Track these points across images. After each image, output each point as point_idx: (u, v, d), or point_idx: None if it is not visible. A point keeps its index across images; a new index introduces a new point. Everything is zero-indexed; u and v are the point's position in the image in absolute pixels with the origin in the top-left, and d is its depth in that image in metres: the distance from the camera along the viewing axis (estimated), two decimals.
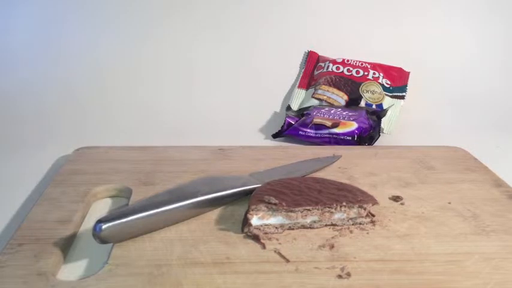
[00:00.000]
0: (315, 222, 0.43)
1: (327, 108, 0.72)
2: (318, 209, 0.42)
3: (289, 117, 0.72)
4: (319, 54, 0.83)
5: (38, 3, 0.78)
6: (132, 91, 0.79)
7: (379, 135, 0.68)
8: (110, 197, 0.50)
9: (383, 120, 0.71)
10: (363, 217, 0.43)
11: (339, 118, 0.69)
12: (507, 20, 0.84)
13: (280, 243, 0.40)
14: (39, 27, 0.79)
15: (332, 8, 0.82)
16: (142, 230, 0.40)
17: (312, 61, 0.83)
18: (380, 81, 0.77)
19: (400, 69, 0.80)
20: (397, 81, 0.79)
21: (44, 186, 0.50)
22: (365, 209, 0.43)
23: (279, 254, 0.39)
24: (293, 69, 0.83)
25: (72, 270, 0.38)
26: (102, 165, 0.55)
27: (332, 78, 0.77)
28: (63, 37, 0.79)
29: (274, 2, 0.82)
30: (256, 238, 0.41)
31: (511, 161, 0.63)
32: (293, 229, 0.42)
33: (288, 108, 0.77)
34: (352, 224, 0.43)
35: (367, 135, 0.67)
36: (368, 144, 0.66)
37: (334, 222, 0.43)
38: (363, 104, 0.74)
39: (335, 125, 0.67)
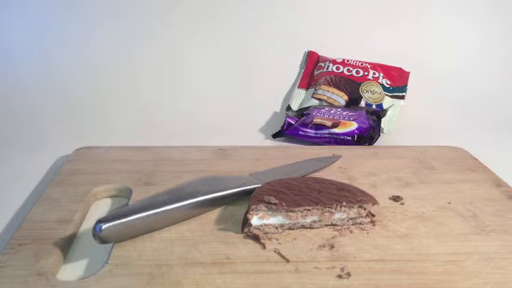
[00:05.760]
0: (315, 222, 0.43)
1: (327, 108, 0.72)
2: (318, 209, 0.42)
3: (289, 117, 0.72)
4: (319, 54, 0.83)
5: (37, 3, 0.78)
6: (132, 91, 0.79)
7: (379, 135, 0.68)
8: (110, 197, 0.50)
9: (383, 120, 0.71)
10: (363, 217, 0.43)
11: (339, 118, 0.69)
12: (507, 20, 0.84)
13: (280, 243, 0.40)
14: (40, 27, 0.79)
15: (332, 8, 0.82)
16: (142, 230, 0.40)
17: (312, 61, 0.83)
18: (380, 81, 0.77)
19: (400, 69, 0.80)
20: (397, 81, 0.79)
21: (44, 186, 0.50)
22: (365, 209, 0.43)
23: (279, 254, 0.39)
24: (293, 69, 0.83)
25: (72, 270, 0.38)
26: (102, 165, 0.55)
27: (332, 78, 0.77)
28: (63, 37, 0.79)
29: (274, 1, 0.82)
30: (256, 238, 0.41)
31: (511, 161, 0.63)
32: (293, 229, 0.42)
33: (288, 108, 0.77)
34: (352, 224, 0.43)
35: (367, 135, 0.67)
36: (368, 144, 0.66)
37: (334, 222, 0.43)
38: (363, 104, 0.74)
39: (335, 125, 0.67)
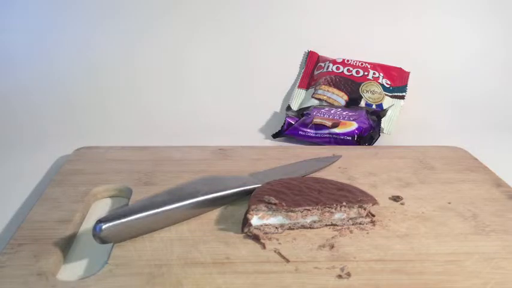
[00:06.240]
0: (315, 222, 0.43)
1: (327, 108, 0.72)
2: (318, 209, 0.42)
3: (289, 117, 0.72)
4: (319, 54, 0.83)
5: (37, 3, 0.78)
6: (132, 91, 0.79)
7: (379, 135, 0.68)
8: (110, 197, 0.50)
9: (383, 120, 0.71)
10: (363, 217, 0.43)
11: (339, 118, 0.69)
12: (507, 20, 0.84)
13: (280, 243, 0.40)
14: (40, 27, 0.79)
15: (332, 8, 0.82)
16: (142, 230, 0.40)
17: (312, 61, 0.83)
18: (380, 81, 0.77)
19: (400, 69, 0.80)
20: (397, 81, 0.79)
21: (44, 186, 0.50)
22: (365, 209, 0.43)
23: (279, 254, 0.39)
24: (293, 69, 0.83)
25: (72, 270, 0.38)
26: (102, 165, 0.55)
27: (332, 78, 0.77)
28: (63, 37, 0.79)
29: (274, 1, 0.82)
30: (256, 238, 0.41)
31: (511, 161, 0.63)
32: (293, 229, 0.42)
33: (288, 108, 0.77)
34: (352, 224, 0.43)
35: (367, 135, 0.67)
36: (368, 144, 0.66)
37: (334, 222, 0.43)
38: (363, 104, 0.74)
39: (335, 125, 0.67)
